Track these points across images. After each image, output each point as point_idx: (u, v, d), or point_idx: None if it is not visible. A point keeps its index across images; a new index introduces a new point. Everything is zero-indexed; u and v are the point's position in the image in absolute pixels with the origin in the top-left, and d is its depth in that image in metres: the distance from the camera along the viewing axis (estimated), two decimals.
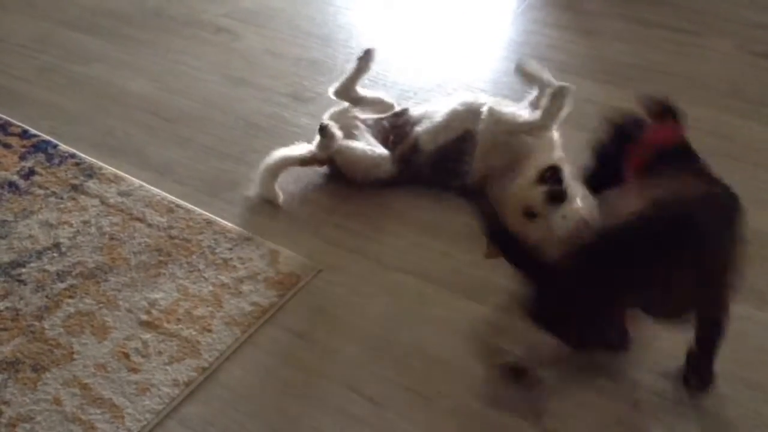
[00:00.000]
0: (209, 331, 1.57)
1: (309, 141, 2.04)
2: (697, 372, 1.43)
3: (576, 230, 1.58)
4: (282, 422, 1.41)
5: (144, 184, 1.99)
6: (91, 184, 1.99)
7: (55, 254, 1.77)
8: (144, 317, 1.60)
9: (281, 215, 1.91)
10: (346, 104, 2.04)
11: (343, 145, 1.89)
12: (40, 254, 1.77)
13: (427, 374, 1.50)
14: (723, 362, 1.49)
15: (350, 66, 2.04)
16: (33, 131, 2.22)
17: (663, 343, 1.52)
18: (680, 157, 1.48)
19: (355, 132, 1.95)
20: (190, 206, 1.91)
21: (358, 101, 2.05)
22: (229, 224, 1.85)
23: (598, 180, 1.52)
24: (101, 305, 1.64)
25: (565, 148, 1.82)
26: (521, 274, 1.28)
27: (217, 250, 1.77)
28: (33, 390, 1.46)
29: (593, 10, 2.95)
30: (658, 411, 1.41)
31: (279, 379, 1.49)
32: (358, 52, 2.04)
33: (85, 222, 1.87)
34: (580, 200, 1.62)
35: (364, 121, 1.99)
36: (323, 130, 1.85)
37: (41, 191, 1.97)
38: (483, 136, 1.84)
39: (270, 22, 2.92)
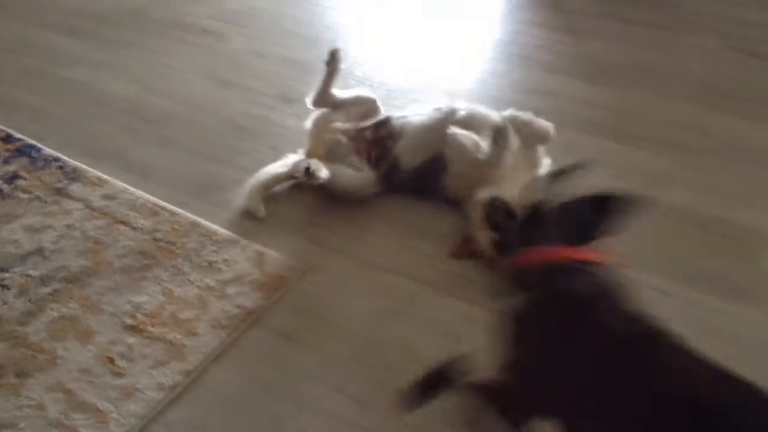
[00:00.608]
0: (194, 334, 1.56)
1: (294, 143, 2.04)
2: None
3: None
4: (268, 424, 1.41)
5: (128, 187, 1.98)
6: (75, 188, 1.97)
7: (38, 259, 1.76)
8: (128, 321, 1.59)
9: (267, 217, 1.90)
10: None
11: (330, 175, 1.88)
12: (23, 259, 1.76)
13: (413, 374, 1.48)
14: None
15: (321, 73, 2.01)
16: (16, 135, 2.20)
17: None
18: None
19: (338, 150, 1.94)
20: (174, 209, 1.90)
21: (338, 105, 2.03)
22: (215, 226, 1.84)
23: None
24: (85, 309, 1.62)
25: (551, 148, 1.81)
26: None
27: (202, 253, 1.76)
28: (16, 395, 1.44)
29: (579, 10, 2.96)
30: None
31: (265, 381, 1.49)
32: (325, 56, 2.01)
33: (68, 226, 1.85)
34: None
35: (346, 133, 1.97)
36: (307, 172, 1.85)
37: (25, 195, 1.95)
38: (451, 159, 1.84)
39: (255, 23, 2.91)
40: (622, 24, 2.81)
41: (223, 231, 1.83)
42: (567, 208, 1.24)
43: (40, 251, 1.78)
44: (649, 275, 1.69)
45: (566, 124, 2.13)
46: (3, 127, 2.24)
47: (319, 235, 1.84)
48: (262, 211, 1.91)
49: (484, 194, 1.72)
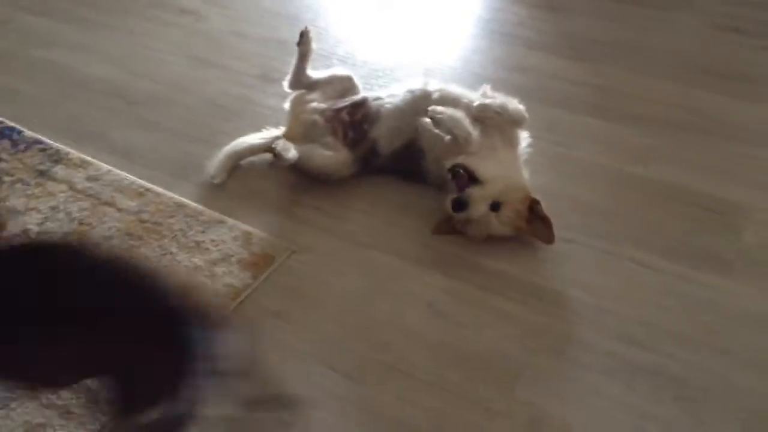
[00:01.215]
0: None
1: (277, 123, 2.04)
2: None
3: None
4: None
5: (112, 168, 1.97)
6: (59, 170, 1.96)
7: (23, 241, 1.74)
8: None
9: (253, 197, 1.90)
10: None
11: (304, 155, 1.88)
12: (8, 242, 1.74)
13: (403, 349, 1.51)
14: (691, 329, 1.54)
15: (294, 55, 2.03)
16: None
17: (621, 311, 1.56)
18: None
19: (314, 130, 1.94)
20: (160, 190, 1.89)
21: (314, 85, 2.04)
22: (201, 207, 1.84)
23: None
24: None
25: (530, 124, 1.82)
26: None
27: (189, 234, 1.76)
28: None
29: None
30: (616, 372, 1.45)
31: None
32: (296, 38, 2.04)
33: (53, 208, 1.84)
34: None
35: (322, 113, 1.96)
36: (274, 152, 1.87)
37: (8, 178, 1.93)
38: (426, 144, 1.84)
39: (235, 2, 2.89)
40: (604, 1, 2.82)
41: (209, 211, 1.83)
42: None
43: (25, 233, 1.76)
44: (635, 250, 1.73)
45: (548, 101, 2.16)
46: None
47: (305, 214, 1.85)
48: (221, 178, 1.93)
49: (448, 163, 1.74)
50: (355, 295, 1.63)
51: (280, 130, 1.98)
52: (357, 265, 1.71)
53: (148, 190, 1.89)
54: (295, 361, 1.49)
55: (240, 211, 1.84)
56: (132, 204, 1.85)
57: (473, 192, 1.68)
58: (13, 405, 1.39)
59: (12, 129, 2.12)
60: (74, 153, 2.02)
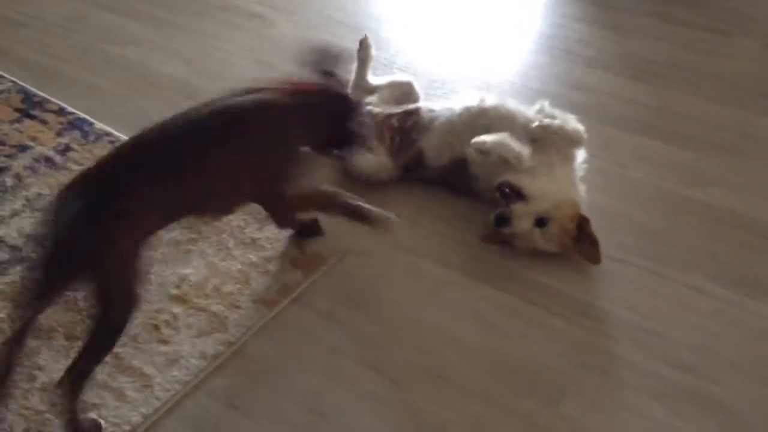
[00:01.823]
0: (237, 307, 1.61)
1: None
2: None
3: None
4: (304, 397, 1.45)
5: None
6: None
7: None
8: (174, 291, 1.65)
9: None
10: None
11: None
12: None
13: (448, 356, 1.53)
14: (741, 357, 1.52)
15: (355, 62, 2.10)
16: (69, 109, 2.27)
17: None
18: None
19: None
20: None
21: (374, 90, 2.10)
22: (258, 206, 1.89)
23: None
24: None
25: (587, 142, 1.82)
26: None
27: (246, 230, 1.82)
28: (66, 357, 1.50)
29: (623, 6, 2.95)
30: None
31: (303, 356, 1.54)
32: (356, 45, 2.11)
33: None
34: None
35: (373, 116, 1.98)
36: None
37: (77, 167, 2.02)
38: (477, 168, 1.84)
39: (302, 9, 2.96)
40: (667, 24, 2.80)
41: None
42: None
43: None
44: (687, 273, 1.72)
45: (606, 120, 2.15)
46: (56, 101, 2.32)
47: None
48: None
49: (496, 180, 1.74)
50: (403, 302, 1.66)
51: None
52: (407, 272, 1.74)
53: None
54: (342, 361, 1.52)
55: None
56: None
57: (517, 208, 1.69)
58: None
59: (83, 120, 2.22)
60: None
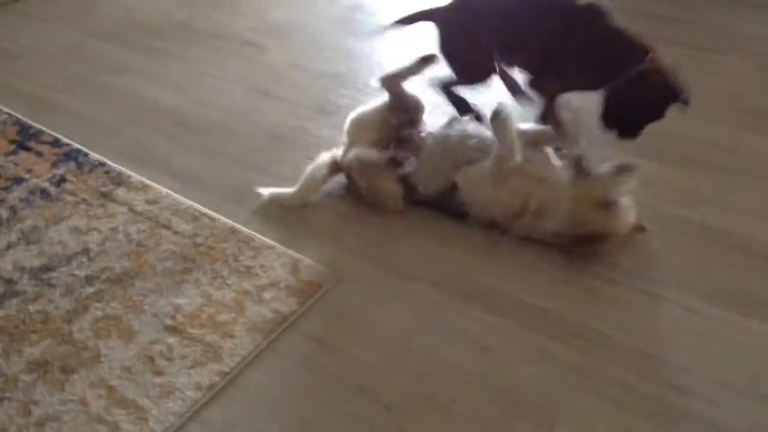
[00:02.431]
0: (231, 336, 1.61)
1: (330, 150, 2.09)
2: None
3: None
4: (300, 426, 1.45)
5: (171, 192, 2.05)
6: (120, 192, 2.05)
7: (84, 259, 1.83)
8: (169, 322, 1.65)
9: (302, 224, 1.95)
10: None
11: (373, 180, 1.96)
12: (69, 259, 1.83)
13: (443, 382, 1.53)
14: (735, 376, 1.52)
15: (408, 62, 2.09)
16: (64, 140, 2.29)
17: None
18: None
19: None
20: (214, 215, 1.96)
21: (396, 96, 2.08)
22: (252, 232, 1.90)
23: None
24: (128, 309, 1.69)
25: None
26: None
27: (240, 258, 1.82)
28: (61, 390, 1.51)
29: None
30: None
31: (298, 384, 1.54)
32: (423, 53, 2.08)
33: (113, 229, 1.93)
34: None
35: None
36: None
37: (72, 198, 2.03)
38: (465, 190, 1.87)
39: (294, 36, 2.98)
40: (661, 44, 2.80)
41: (260, 237, 1.89)
42: None
43: (85, 252, 1.85)
44: (680, 293, 1.72)
45: (598, 142, 2.15)
46: (52, 132, 2.34)
47: (352, 244, 1.89)
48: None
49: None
50: (397, 326, 1.66)
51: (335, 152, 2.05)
52: (401, 296, 1.74)
53: (203, 214, 1.97)
54: (335, 387, 1.52)
55: (289, 237, 1.90)
56: (187, 227, 1.92)
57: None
58: None
59: (78, 151, 2.23)
60: (135, 176, 2.11)
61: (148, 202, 2.01)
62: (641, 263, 1.81)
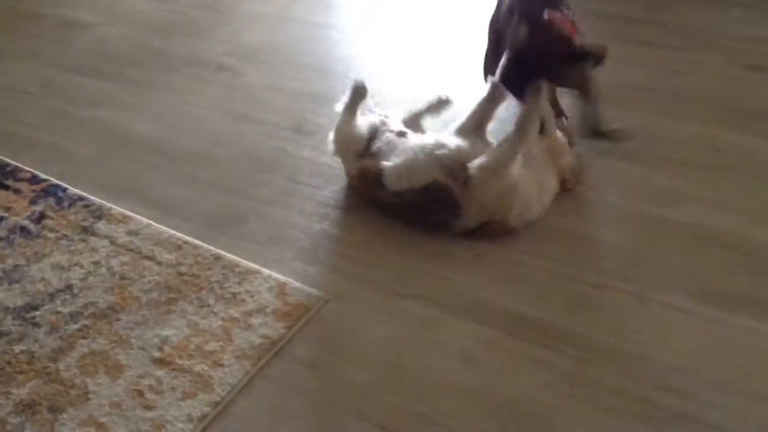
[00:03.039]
0: (221, 365, 1.60)
1: (312, 174, 2.11)
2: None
3: None
4: None
5: (152, 222, 2.03)
6: (101, 226, 2.03)
7: (67, 296, 1.81)
8: (156, 354, 1.64)
9: (287, 246, 1.94)
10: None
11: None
12: (52, 296, 1.81)
13: (436, 398, 1.52)
14: (728, 374, 1.52)
15: (427, 102, 2.21)
16: (42, 176, 2.27)
17: None
18: None
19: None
20: (197, 242, 1.95)
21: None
22: (237, 258, 1.89)
23: None
24: (114, 344, 1.67)
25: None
26: None
27: (225, 285, 1.81)
28: (50, 431, 1.49)
29: (584, 32, 2.99)
30: None
31: (290, 410, 1.52)
32: (441, 94, 2.20)
33: (95, 263, 1.91)
34: None
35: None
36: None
37: (52, 234, 2.01)
38: (483, 189, 1.86)
39: (270, 58, 2.98)
40: (626, 45, 2.84)
41: (244, 262, 1.87)
42: None
43: (68, 288, 1.83)
44: (668, 294, 1.73)
45: (578, 144, 2.17)
46: (29, 169, 2.31)
47: (338, 263, 1.88)
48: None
49: None
50: (387, 345, 1.65)
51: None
52: (389, 314, 1.73)
53: (186, 242, 1.95)
54: (329, 411, 1.51)
55: (274, 261, 1.89)
56: (171, 257, 1.90)
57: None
58: None
59: (57, 186, 2.21)
60: (116, 208, 2.10)
61: (130, 233, 2.00)
62: (627, 265, 1.81)
